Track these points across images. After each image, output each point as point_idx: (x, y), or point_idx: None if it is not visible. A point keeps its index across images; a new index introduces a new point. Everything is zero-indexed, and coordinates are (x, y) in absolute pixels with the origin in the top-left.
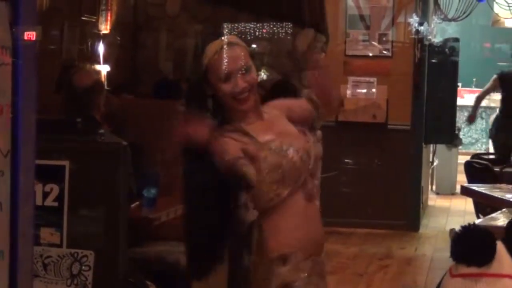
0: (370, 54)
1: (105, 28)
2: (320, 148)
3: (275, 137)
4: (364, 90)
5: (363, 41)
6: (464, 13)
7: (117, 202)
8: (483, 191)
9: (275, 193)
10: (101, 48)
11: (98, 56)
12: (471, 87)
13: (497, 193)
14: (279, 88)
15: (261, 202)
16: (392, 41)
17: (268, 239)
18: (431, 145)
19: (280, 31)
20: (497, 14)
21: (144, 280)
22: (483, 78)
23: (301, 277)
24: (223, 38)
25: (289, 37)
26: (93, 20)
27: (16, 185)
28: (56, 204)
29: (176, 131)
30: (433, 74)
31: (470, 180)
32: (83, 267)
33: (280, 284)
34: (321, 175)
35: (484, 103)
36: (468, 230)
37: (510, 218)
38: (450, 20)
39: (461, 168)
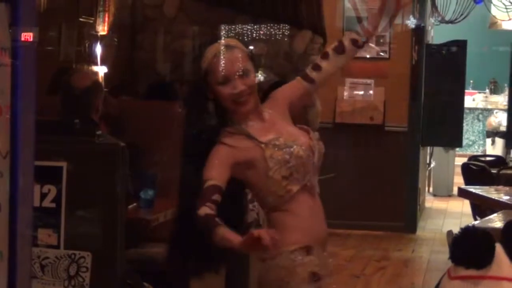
0: (368, 56)
1: (102, 29)
2: (322, 146)
3: (277, 135)
4: (362, 92)
5: None
6: (461, 15)
7: (114, 203)
8: (480, 193)
9: (285, 190)
10: (98, 49)
11: (96, 57)
12: (468, 89)
13: (494, 195)
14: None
15: (270, 200)
16: (390, 43)
17: (285, 232)
18: (428, 147)
19: (278, 32)
20: (494, 16)
21: (141, 281)
22: (480, 80)
23: (326, 267)
24: (222, 41)
25: (286, 39)
26: (91, 21)
27: (15, 186)
28: (53, 205)
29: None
30: (438, 76)
31: (467, 182)
32: (81, 269)
33: (308, 273)
34: (319, 177)
35: (481, 105)
36: (468, 232)
37: (507, 220)
38: (447, 22)
39: (458, 170)
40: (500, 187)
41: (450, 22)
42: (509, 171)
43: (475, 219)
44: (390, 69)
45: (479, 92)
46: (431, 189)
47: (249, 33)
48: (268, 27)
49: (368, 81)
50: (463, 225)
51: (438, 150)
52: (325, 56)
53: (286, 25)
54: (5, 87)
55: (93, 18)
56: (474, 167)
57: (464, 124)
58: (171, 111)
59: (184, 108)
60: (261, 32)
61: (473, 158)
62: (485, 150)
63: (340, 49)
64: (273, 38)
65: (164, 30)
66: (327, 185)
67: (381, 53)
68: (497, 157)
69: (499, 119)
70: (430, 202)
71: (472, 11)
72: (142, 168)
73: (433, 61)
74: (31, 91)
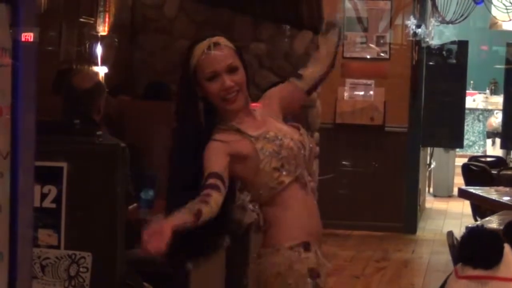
0: (368, 57)
1: (103, 29)
2: (313, 141)
3: (268, 130)
4: (362, 92)
5: (361, 43)
6: (462, 15)
7: (115, 204)
8: (480, 194)
9: (277, 181)
10: (99, 49)
11: (96, 57)
12: (468, 89)
13: (494, 196)
14: None
15: (263, 194)
16: (390, 44)
17: (282, 228)
18: (428, 148)
19: (278, 33)
20: (494, 17)
21: (141, 281)
22: (481, 81)
23: (324, 263)
24: (209, 38)
25: (286, 39)
26: (91, 21)
27: (16, 187)
28: (54, 205)
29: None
30: (438, 77)
31: (467, 183)
32: (81, 269)
33: (307, 269)
34: (319, 177)
35: (481, 105)
36: (476, 232)
37: (507, 221)
38: (448, 23)
39: (459, 171)
40: (500, 187)
41: (451, 22)
42: (509, 172)
43: (476, 220)
44: (390, 69)
45: (480, 93)
46: (431, 190)
47: (250, 33)
48: (269, 28)
49: (369, 81)
50: (463, 226)
51: (438, 150)
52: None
53: (286, 25)
54: (6, 88)
55: (93, 19)
56: (474, 168)
57: (465, 125)
58: (171, 110)
59: (175, 106)
60: (262, 33)
61: (473, 158)
62: (485, 151)
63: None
64: (273, 39)
65: (164, 31)
66: (327, 186)
67: (382, 54)
68: (498, 157)
69: (500, 120)
70: (430, 202)
71: (472, 12)
72: (142, 168)
73: (434, 62)
74: (32, 91)
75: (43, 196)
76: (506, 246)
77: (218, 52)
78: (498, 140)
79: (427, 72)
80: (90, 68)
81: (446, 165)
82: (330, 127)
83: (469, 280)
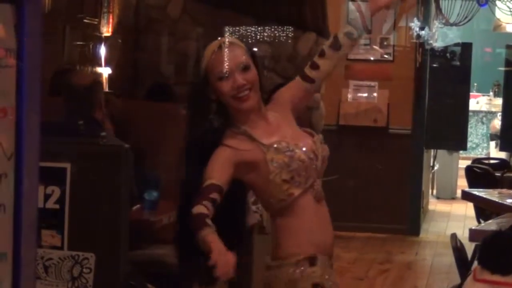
0: (372, 58)
1: (106, 30)
2: (327, 149)
3: (281, 139)
4: (365, 94)
5: (365, 45)
6: (465, 17)
7: (118, 205)
8: (484, 196)
9: (287, 193)
10: (102, 50)
11: (100, 58)
12: (472, 91)
13: (497, 198)
14: None
15: (272, 204)
16: (394, 45)
17: (289, 241)
18: (432, 150)
19: (282, 34)
20: (498, 19)
21: (145, 283)
22: (484, 83)
23: (329, 278)
24: (220, 38)
25: (290, 41)
26: (95, 22)
27: (20, 188)
28: (57, 206)
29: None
30: (442, 79)
31: (470, 185)
32: (84, 270)
33: (311, 285)
34: (322, 179)
35: (485, 107)
36: (498, 236)
37: (511, 223)
38: (451, 25)
39: (462, 173)
40: (504, 190)
41: (455, 24)
42: None
43: (479, 222)
44: (394, 71)
45: (483, 95)
46: (434, 192)
47: (253, 35)
48: (272, 29)
49: (372, 83)
50: (466, 228)
51: (442, 152)
52: (321, 54)
53: (290, 27)
54: (10, 89)
55: (97, 19)
56: (477, 170)
57: (468, 127)
58: (175, 113)
59: (187, 110)
60: (265, 34)
61: (476, 161)
62: (489, 153)
63: (336, 45)
64: (277, 40)
65: (168, 32)
66: (330, 187)
67: (385, 56)
68: (501, 160)
69: None
70: (434, 204)
71: (476, 14)
72: (146, 169)
73: (437, 64)
74: (36, 92)
75: (47, 197)
76: None
77: (229, 51)
78: None
79: (431, 74)
80: (93, 68)
81: (449, 167)
82: (334, 128)
83: (486, 284)
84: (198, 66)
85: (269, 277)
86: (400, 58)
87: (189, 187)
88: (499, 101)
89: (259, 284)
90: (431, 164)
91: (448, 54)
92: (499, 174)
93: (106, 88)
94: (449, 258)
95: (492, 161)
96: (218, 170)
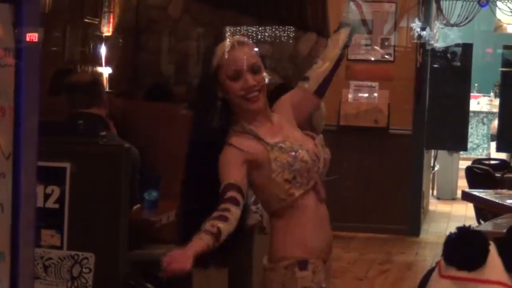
0: (372, 59)
1: (107, 30)
2: (329, 153)
3: (285, 139)
4: (366, 95)
5: (365, 45)
6: (466, 18)
7: (118, 205)
8: (484, 197)
9: (287, 193)
10: (103, 50)
11: (100, 58)
12: (473, 92)
13: (497, 199)
14: (280, 92)
15: (272, 204)
16: (394, 46)
17: (282, 243)
18: (432, 150)
19: (283, 35)
20: (499, 20)
21: (144, 282)
22: (485, 84)
23: (320, 283)
24: (233, 37)
25: (291, 41)
26: (96, 22)
27: (18, 187)
28: (57, 206)
29: None
30: (442, 79)
31: (471, 186)
32: (84, 269)
33: None
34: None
35: (486, 108)
36: (462, 232)
37: (510, 224)
38: (452, 25)
39: (462, 173)
40: (504, 190)
41: (455, 25)
42: None
43: (479, 223)
44: (394, 72)
45: (484, 96)
46: (435, 192)
47: (254, 35)
48: (273, 29)
49: (373, 84)
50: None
51: (442, 153)
52: (318, 55)
53: (291, 27)
54: (9, 88)
55: (97, 19)
56: (478, 171)
57: (469, 128)
58: (175, 113)
59: (192, 108)
60: (266, 34)
61: (477, 161)
62: (489, 154)
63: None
64: (277, 41)
65: (168, 32)
66: (331, 187)
67: (386, 56)
68: (501, 160)
69: None
70: (434, 205)
71: (477, 15)
72: (146, 169)
73: (438, 64)
74: (35, 92)
75: (46, 197)
76: (492, 248)
77: (242, 51)
78: None
79: (432, 74)
80: (93, 68)
81: (450, 168)
82: (334, 129)
83: (453, 281)
84: (199, 66)
85: (264, 278)
86: (400, 58)
87: (194, 186)
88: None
89: (258, 284)
90: (432, 164)
91: (448, 55)
92: (499, 175)
93: (106, 88)
94: None
95: (492, 162)
96: (231, 169)
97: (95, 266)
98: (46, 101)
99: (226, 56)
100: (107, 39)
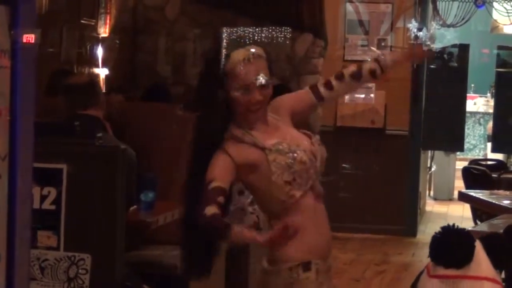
0: (369, 59)
1: (104, 31)
2: (324, 150)
3: (281, 140)
4: (363, 95)
5: (362, 46)
6: (463, 19)
7: (114, 206)
8: (481, 197)
9: (288, 195)
10: (100, 51)
11: (97, 59)
12: (469, 92)
13: (494, 199)
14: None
15: (272, 205)
16: (391, 46)
17: (280, 247)
18: (429, 151)
19: (279, 35)
20: (496, 21)
21: (141, 283)
22: (482, 84)
23: (324, 283)
24: (248, 48)
25: (288, 42)
26: (92, 23)
27: (14, 188)
28: (53, 207)
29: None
30: (439, 80)
31: (467, 186)
32: (80, 271)
33: None
34: (320, 180)
35: (482, 109)
36: (447, 231)
37: (508, 224)
38: (449, 26)
39: (459, 174)
40: (500, 191)
41: (452, 26)
42: (509, 175)
43: (476, 223)
44: (391, 72)
45: (481, 96)
46: (431, 193)
47: (250, 35)
48: (270, 30)
49: (369, 84)
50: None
51: (439, 153)
52: (340, 77)
53: (288, 28)
54: (5, 89)
55: (94, 20)
56: (475, 171)
57: (465, 128)
58: (171, 113)
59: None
60: (263, 35)
61: (474, 162)
62: (486, 154)
63: (357, 76)
64: (274, 41)
65: (165, 32)
66: (327, 188)
67: (382, 57)
68: (498, 161)
69: None
70: (431, 206)
71: (473, 15)
72: (142, 170)
73: (435, 65)
74: (31, 93)
75: (43, 198)
76: (478, 245)
77: (255, 66)
78: None
79: (428, 75)
80: (90, 69)
81: (446, 169)
82: (331, 130)
83: (441, 280)
84: (196, 66)
85: (265, 281)
86: None
87: (195, 186)
88: None
89: (255, 286)
90: (428, 165)
91: (445, 55)
92: (496, 175)
93: (103, 89)
94: None
95: (489, 162)
96: (221, 172)
97: (92, 267)
98: (43, 102)
99: (240, 67)
100: (103, 40)
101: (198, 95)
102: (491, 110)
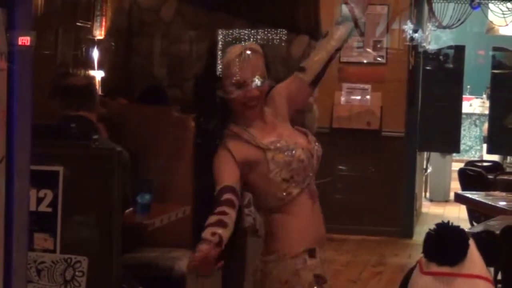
0: (365, 61)
1: (99, 33)
2: (320, 149)
3: (279, 138)
4: (359, 97)
5: (358, 48)
6: (458, 20)
7: (111, 208)
8: (477, 199)
9: (286, 192)
10: (95, 53)
11: (93, 61)
12: (465, 94)
13: (490, 201)
14: None
15: (271, 202)
16: (387, 48)
17: (286, 235)
18: (425, 152)
19: (275, 37)
20: (491, 22)
21: (137, 286)
22: (477, 85)
23: (324, 269)
24: (245, 43)
25: (283, 44)
26: (88, 25)
27: (11, 191)
28: (50, 209)
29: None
30: (435, 81)
31: (463, 187)
32: (77, 273)
33: (313, 276)
34: (316, 181)
35: (478, 110)
36: (441, 228)
37: (503, 225)
38: (444, 28)
39: (455, 175)
40: (496, 192)
41: (448, 27)
42: (505, 177)
43: (472, 225)
44: (387, 74)
45: (476, 98)
46: (427, 194)
47: (246, 37)
48: (265, 32)
49: (365, 86)
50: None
51: (435, 155)
52: (313, 47)
53: (283, 30)
54: (1, 91)
55: (90, 23)
56: (471, 173)
57: (461, 130)
58: (167, 115)
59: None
60: (258, 37)
61: (470, 163)
62: (482, 156)
63: (325, 35)
64: (270, 43)
65: (161, 34)
66: (324, 190)
67: (378, 58)
68: (494, 162)
69: None
70: (427, 207)
71: (469, 17)
72: (138, 172)
73: (430, 66)
74: (28, 95)
75: (39, 200)
76: (471, 243)
77: (252, 61)
78: None
79: (424, 76)
80: (86, 71)
81: (442, 170)
82: (327, 131)
83: (434, 278)
84: (191, 68)
85: (267, 272)
86: (393, 60)
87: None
88: None
89: (252, 286)
90: (424, 166)
91: (441, 57)
92: (492, 177)
93: (99, 91)
94: None
95: (485, 164)
96: (225, 171)
97: (88, 269)
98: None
99: (237, 63)
100: (99, 42)
101: (196, 96)
102: (487, 112)
